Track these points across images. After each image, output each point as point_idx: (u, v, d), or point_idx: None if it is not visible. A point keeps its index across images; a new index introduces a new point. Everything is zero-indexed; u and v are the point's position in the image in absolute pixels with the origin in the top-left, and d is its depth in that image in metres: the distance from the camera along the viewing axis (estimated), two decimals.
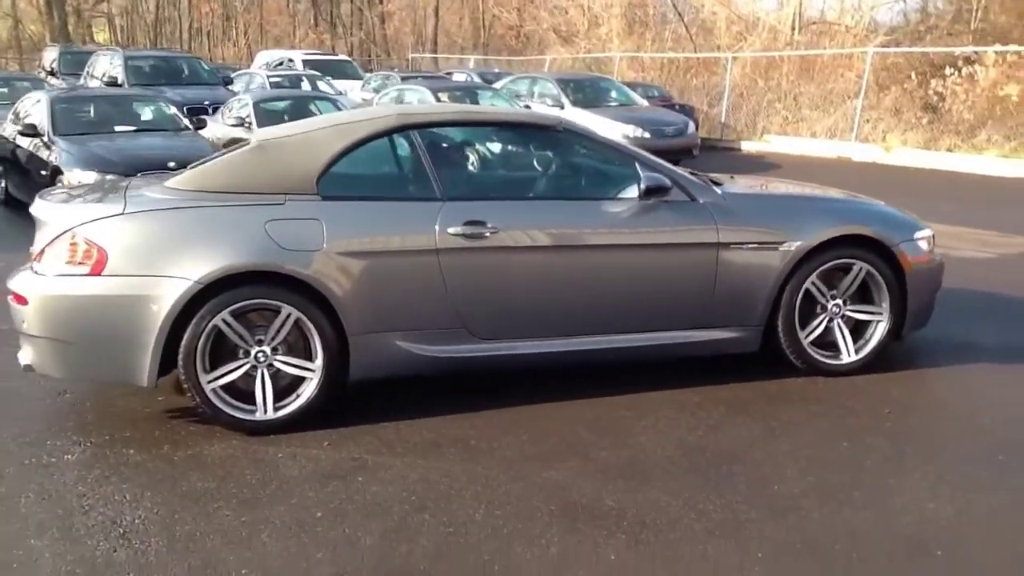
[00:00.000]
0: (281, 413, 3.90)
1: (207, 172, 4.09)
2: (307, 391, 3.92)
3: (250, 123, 11.31)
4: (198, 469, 3.57)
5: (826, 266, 4.43)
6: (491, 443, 3.79)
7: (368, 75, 21.49)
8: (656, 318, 4.30)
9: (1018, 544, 3.00)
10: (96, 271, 3.75)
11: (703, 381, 4.43)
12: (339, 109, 12.22)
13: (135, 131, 9.63)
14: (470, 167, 4.58)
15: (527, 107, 13.71)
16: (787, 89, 18.96)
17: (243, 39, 38.17)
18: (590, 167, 4.47)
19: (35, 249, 4.04)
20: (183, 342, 3.76)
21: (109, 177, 8.01)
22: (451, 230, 3.97)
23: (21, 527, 3.11)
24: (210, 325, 3.77)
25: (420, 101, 13.34)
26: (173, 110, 10.34)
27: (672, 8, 23.55)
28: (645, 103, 15.05)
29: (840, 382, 4.46)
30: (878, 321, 4.56)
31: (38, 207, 4.14)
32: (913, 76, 17.39)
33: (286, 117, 11.64)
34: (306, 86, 17.91)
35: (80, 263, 3.77)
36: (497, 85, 15.69)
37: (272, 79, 17.49)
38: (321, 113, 12.09)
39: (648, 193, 4.14)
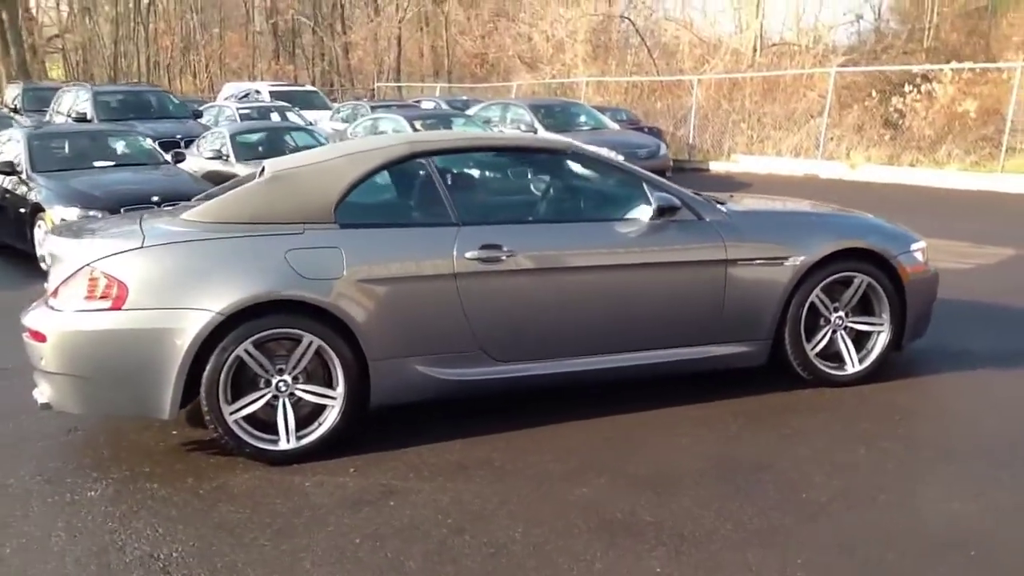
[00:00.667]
0: (304, 442, 3.90)
1: (223, 204, 4.10)
2: (329, 419, 3.93)
3: (227, 155, 11.30)
4: (227, 500, 3.56)
5: (829, 279, 4.54)
6: (516, 463, 3.83)
7: (337, 105, 21.51)
8: (668, 335, 4.37)
9: None
10: (116, 306, 3.74)
11: (712, 396, 4.50)
12: (317, 139, 12.27)
13: (114, 166, 9.57)
14: (483, 192, 4.64)
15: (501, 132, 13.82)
16: (751, 109, 19.35)
17: (204, 72, 38.02)
18: (600, 189, 4.56)
19: (51, 285, 4.02)
20: (205, 374, 3.76)
21: (109, 213, 8.01)
22: (468, 254, 4.03)
23: (57, 566, 3.08)
24: (232, 356, 3.78)
25: (395, 130, 13.42)
26: (150, 144, 10.30)
27: (635, 33, 23.94)
28: (616, 126, 15.25)
29: (846, 392, 4.56)
30: (879, 332, 4.68)
31: (52, 243, 4.13)
32: (873, 94, 17.85)
33: (261, 149, 11.69)
34: (276, 117, 17.89)
35: (100, 298, 3.75)
36: (470, 112, 15.81)
37: (241, 111, 17.45)
38: (297, 144, 12.14)
39: (660, 213, 4.23)
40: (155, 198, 8.42)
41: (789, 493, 3.46)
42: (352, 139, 13.27)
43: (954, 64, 16.81)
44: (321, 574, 2.98)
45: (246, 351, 3.80)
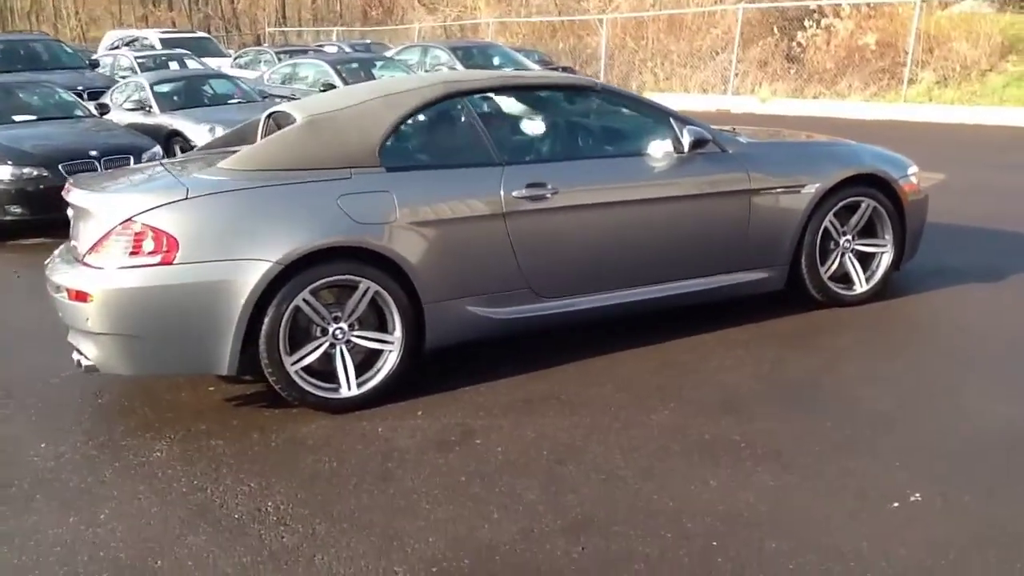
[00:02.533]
0: (365, 388, 3.87)
1: (263, 151, 3.96)
2: (388, 363, 3.90)
3: (150, 106, 10.76)
4: (307, 451, 3.51)
5: (840, 205, 4.75)
6: (580, 396, 3.90)
7: (232, 51, 20.63)
8: (700, 265, 4.50)
9: None
10: (167, 260, 3.59)
11: (738, 320, 4.68)
12: (239, 86, 11.81)
13: (36, 120, 8.98)
14: (519, 131, 4.61)
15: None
16: (657, 48, 19.62)
17: (74, 18, 35.62)
18: (630, 124, 4.60)
19: (81, 242, 3.81)
20: (264, 325, 3.67)
21: (46, 170, 7.55)
22: (515, 193, 4.03)
23: (163, 528, 2.99)
24: (291, 306, 3.70)
25: (318, 73, 13.04)
26: (73, 96, 9.70)
27: None
28: (536, 67, 15.23)
29: (859, 311, 4.81)
30: (882, 252, 4.94)
31: (79, 196, 3.90)
32: (775, 30, 18.36)
33: (182, 98, 11.18)
34: (174, 66, 17.05)
35: (149, 253, 3.59)
36: (387, 55, 15.46)
37: (139, 60, 16.53)
38: (216, 91, 11.68)
39: (694, 146, 4.32)
40: (93, 152, 8.02)
41: (853, 407, 3.66)
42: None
43: None
44: (445, 513, 2.99)
45: (304, 300, 3.72)
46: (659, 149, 4.38)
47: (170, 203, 3.65)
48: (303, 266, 3.69)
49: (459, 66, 14.36)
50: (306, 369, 3.80)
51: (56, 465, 3.49)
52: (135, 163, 8.15)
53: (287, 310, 3.69)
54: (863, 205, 4.82)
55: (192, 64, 17.22)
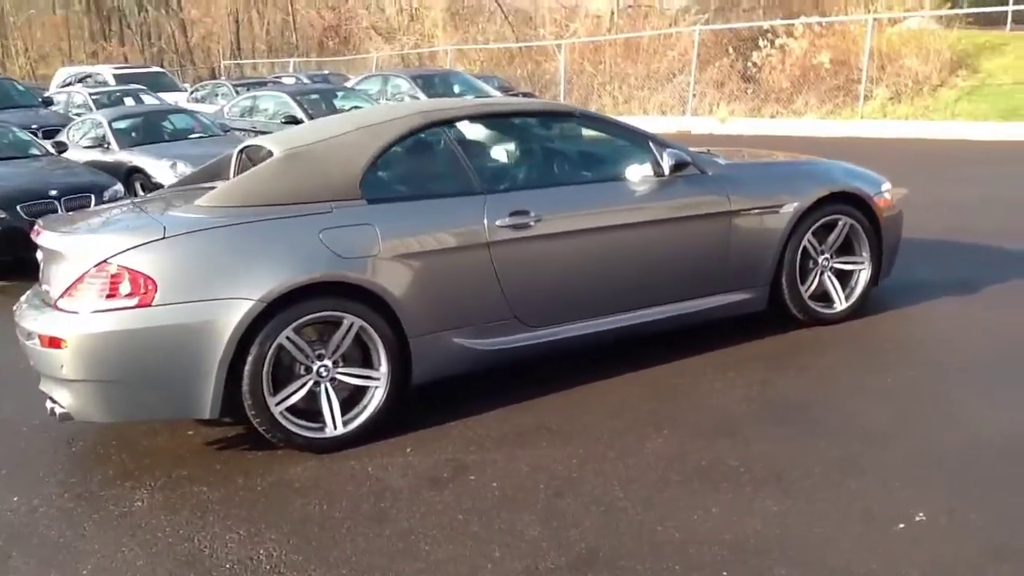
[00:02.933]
0: (352, 427, 3.78)
1: (241, 187, 3.87)
2: (374, 400, 3.82)
3: (108, 143, 10.58)
4: (295, 494, 3.41)
5: (818, 224, 4.77)
6: (572, 425, 3.84)
7: (187, 85, 20.44)
8: (683, 288, 4.48)
9: None
10: (145, 302, 3.48)
11: (718, 344, 4.64)
12: (199, 121, 11.67)
13: None
14: (500, 159, 4.57)
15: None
16: (615, 72, 19.79)
17: (23, 56, 35.06)
18: (610, 149, 4.58)
19: (53, 285, 3.69)
20: (248, 365, 3.56)
21: (3, 212, 7.36)
22: (499, 222, 3.98)
23: None
24: (274, 345, 3.60)
25: (279, 105, 12.93)
26: (28, 135, 9.50)
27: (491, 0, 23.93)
28: (497, 93, 15.26)
29: (839, 330, 4.82)
30: (860, 270, 4.96)
31: (49, 239, 3.78)
32: (730, 51, 18.62)
33: (141, 134, 11.01)
34: (129, 101, 16.82)
35: (126, 295, 3.48)
36: (348, 85, 15.40)
37: (94, 96, 16.29)
38: (176, 126, 11.53)
39: (674, 169, 4.32)
40: (53, 192, 7.83)
41: (847, 425, 3.65)
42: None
43: (803, 19, 17.76)
44: (445, 554, 2.91)
45: (287, 338, 3.63)
46: (640, 173, 4.36)
47: (147, 243, 3.55)
48: (285, 303, 3.60)
49: (420, 95, 14.33)
50: (290, 409, 3.70)
51: (31, 519, 3.35)
52: (96, 202, 7.99)
53: (270, 349, 3.59)
54: (840, 223, 4.84)
55: (148, 99, 17.03)
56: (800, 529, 2.90)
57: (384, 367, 3.81)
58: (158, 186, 9.63)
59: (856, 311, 4.95)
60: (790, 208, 4.65)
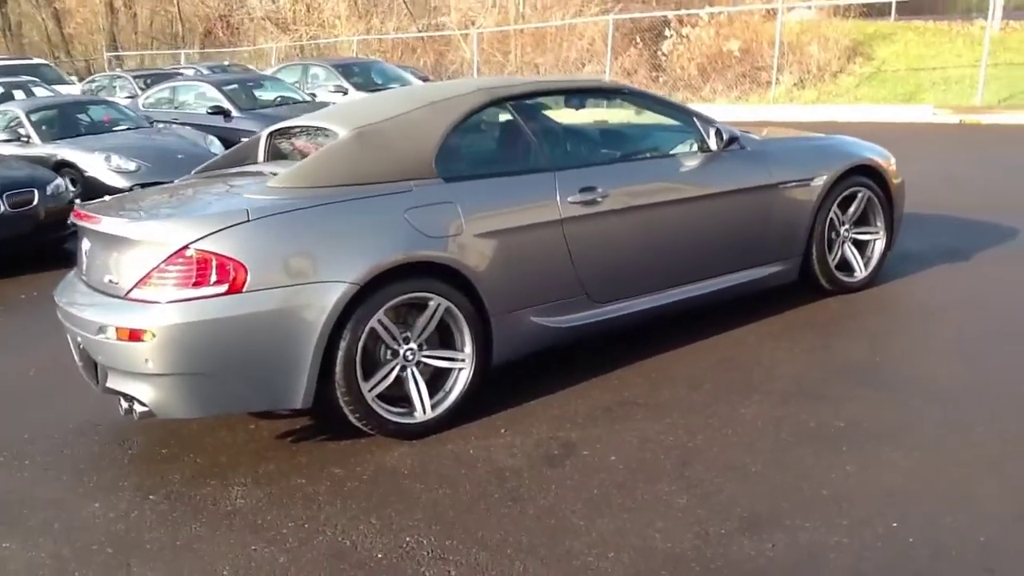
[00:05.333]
0: (440, 410, 3.69)
1: (315, 168, 3.70)
2: (460, 382, 3.73)
3: (28, 136, 9.89)
4: (410, 479, 3.30)
5: (842, 195, 4.94)
6: (656, 398, 3.86)
7: (92, 77, 19.33)
8: (731, 261, 4.57)
9: None
10: (236, 288, 3.29)
11: (752, 316, 4.74)
12: (122, 112, 11.07)
13: None
14: (562, 136, 4.51)
15: (312, 95, 13.22)
16: (524, 61, 19.88)
17: None
18: (659, 125, 4.61)
19: (117, 274, 3.44)
20: (341, 350, 3.42)
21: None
22: (570, 199, 3.96)
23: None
24: (367, 328, 3.47)
25: (198, 95, 12.40)
26: None
27: None
28: (419, 81, 15.08)
29: (864, 296, 5.01)
30: (876, 239, 5.17)
31: (114, 225, 3.52)
32: (638, 41, 19.00)
33: (57, 127, 10.33)
34: (20, 94, 15.75)
35: (215, 282, 3.28)
36: (268, 73, 14.91)
37: None
38: (98, 118, 10.89)
39: (727, 144, 4.39)
40: None
41: (926, 383, 3.80)
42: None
43: (708, 8, 18.31)
44: (605, 527, 2.87)
45: (379, 321, 3.51)
46: (690, 148, 4.42)
47: (232, 226, 3.35)
48: (376, 285, 3.48)
49: (345, 83, 14.00)
50: (379, 396, 3.58)
51: (129, 525, 3.12)
52: (40, 197, 7.50)
53: (363, 333, 3.46)
54: (859, 195, 5.03)
55: (41, 92, 15.98)
56: (940, 480, 3.01)
57: (469, 348, 3.73)
58: (91, 180, 9.11)
59: (872, 279, 5.15)
60: (820, 181, 4.80)
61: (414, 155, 3.76)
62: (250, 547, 2.92)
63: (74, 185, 9.09)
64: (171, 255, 3.30)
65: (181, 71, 18.55)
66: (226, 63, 20.75)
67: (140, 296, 3.33)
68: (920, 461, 3.15)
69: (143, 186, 8.92)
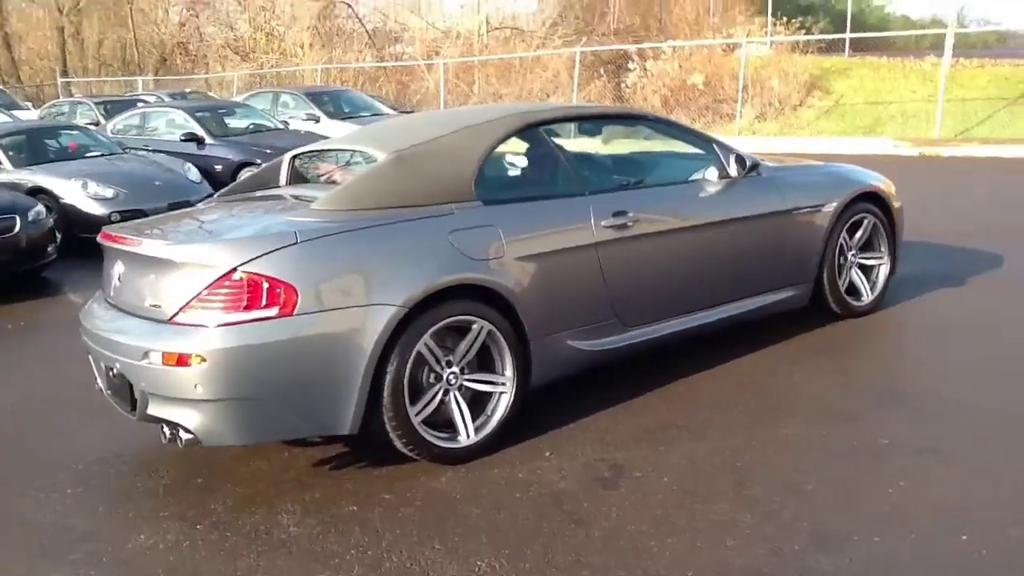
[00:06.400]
0: (482, 435, 3.67)
1: (357, 190, 3.69)
2: (501, 406, 3.73)
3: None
4: (465, 504, 3.27)
5: (850, 221, 5.07)
6: (694, 421, 3.89)
7: (51, 103, 18.95)
8: (749, 286, 4.64)
9: None
10: (287, 311, 3.25)
11: (765, 341, 4.81)
12: (94, 139, 10.87)
13: None
14: (592, 160, 4.56)
15: (286, 123, 13.13)
16: (489, 91, 20.04)
17: None
18: (682, 150, 4.69)
19: (159, 298, 3.37)
20: (389, 375, 3.40)
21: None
22: (604, 223, 4.00)
23: None
24: (414, 352, 3.45)
25: (169, 122, 12.24)
26: None
27: (357, 20, 23.61)
28: (392, 111, 15.09)
29: (871, 320, 5.13)
30: (880, 264, 5.31)
31: (155, 247, 3.45)
32: (602, 72, 19.31)
33: (29, 153, 10.11)
34: None
35: (267, 305, 3.24)
36: (240, 100, 14.79)
37: None
38: (61, 144, 10.66)
39: (750, 170, 4.48)
40: None
41: (956, 403, 3.90)
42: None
43: (670, 42, 18.71)
44: (679, 545, 2.88)
45: (425, 345, 3.49)
46: (712, 174, 4.50)
47: (281, 248, 3.31)
48: (422, 308, 3.47)
49: (317, 111, 13.95)
50: (424, 420, 3.56)
51: (182, 557, 3.03)
52: (22, 223, 7.32)
53: (410, 357, 3.44)
54: (866, 221, 5.16)
55: (1, 118, 15.64)
56: (995, 494, 3.08)
57: (509, 371, 3.73)
58: (68, 207, 8.91)
59: (878, 303, 5.28)
60: (831, 207, 4.92)
61: (454, 178, 3.77)
62: (317, 574, 2.87)
63: (48, 212, 8.90)
64: (219, 278, 3.25)
65: (142, 98, 18.29)
66: (187, 91, 20.53)
67: (186, 320, 3.27)
68: (970, 476, 3.22)
69: (122, 213, 8.90)
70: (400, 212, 3.60)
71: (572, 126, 4.84)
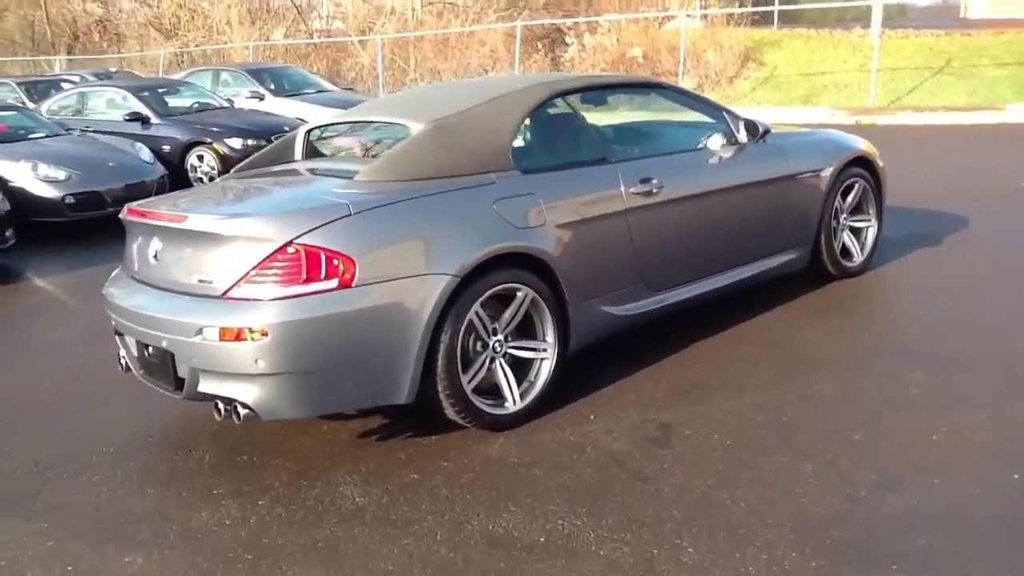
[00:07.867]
0: (528, 400, 3.73)
1: (400, 161, 3.66)
2: (543, 371, 3.78)
3: None
4: (528, 468, 3.32)
5: (843, 185, 5.25)
6: (724, 379, 4.00)
7: None
8: (760, 248, 4.78)
9: None
10: (346, 283, 3.23)
11: (758, 307, 4.95)
12: (36, 119, 10.44)
13: None
14: (615, 128, 4.60)
15: (231, 101, 12.82)
16: (427, 67, 19.87)
17: None
18: (695, 118, 4.77)
19: (207, 273, 3.30)
20: (443, 344, 3.42)
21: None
22: (632, 190, 4.07)
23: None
24: (466, 320, 3.48)
25: (112, 100, 11.82)
26: None
27: None
28: (336, 88, 14.85)
29: (864, 280, 5.34)
30: (869, 227, 5.51)
31: (207, 222, 3.37)
32: (540, 47, 19.34)
33: None
34: None
35: (326, 277, 3.21)
36: (179, 77, 14.34)
37: None
38: (26, 127, 10.17)
39: (763, 135, 4.60)
40: None
41: (968, 354, 4.12)
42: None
43: (607, 15, 18.84)
44: (753, 497, 2.98)
45: (476, 313, 3.52)
46: (723, 140, 4.60)
47: (336, 220, 3.29)
48: (473, 277, 3.49)
49: (261, 89, 13.64)
50: (474, 388, 3.59)
51: (253, 531, 3.01)
52: None
53: (462, 326, 3.47)
54: (857, 185, 5.36)
55: None
56: None
57: (551, 337, 3.78)
58: (17, 190, 8.54)
59: (868, 264, 5.49)
60: (827, 172, 5.08)
61: (491, 148, 3.78)
62: (400, 541, 2.89)
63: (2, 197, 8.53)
64: (274, 251, 3.21)
65: (66, 78, 17.56)
66: (112, 70, 19.80)
67: (242, 295, 3.22)
68: (1004, 422, 3.41)
69: (76, 196, 8.61)
70: (444, 182, 3.61)
71: (576, 97, 4.87)
